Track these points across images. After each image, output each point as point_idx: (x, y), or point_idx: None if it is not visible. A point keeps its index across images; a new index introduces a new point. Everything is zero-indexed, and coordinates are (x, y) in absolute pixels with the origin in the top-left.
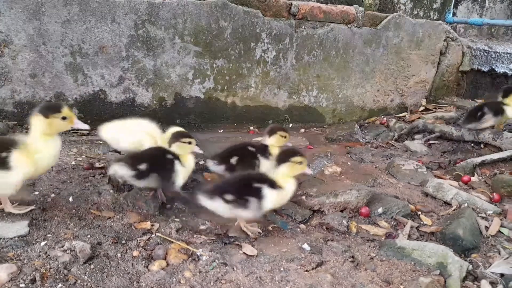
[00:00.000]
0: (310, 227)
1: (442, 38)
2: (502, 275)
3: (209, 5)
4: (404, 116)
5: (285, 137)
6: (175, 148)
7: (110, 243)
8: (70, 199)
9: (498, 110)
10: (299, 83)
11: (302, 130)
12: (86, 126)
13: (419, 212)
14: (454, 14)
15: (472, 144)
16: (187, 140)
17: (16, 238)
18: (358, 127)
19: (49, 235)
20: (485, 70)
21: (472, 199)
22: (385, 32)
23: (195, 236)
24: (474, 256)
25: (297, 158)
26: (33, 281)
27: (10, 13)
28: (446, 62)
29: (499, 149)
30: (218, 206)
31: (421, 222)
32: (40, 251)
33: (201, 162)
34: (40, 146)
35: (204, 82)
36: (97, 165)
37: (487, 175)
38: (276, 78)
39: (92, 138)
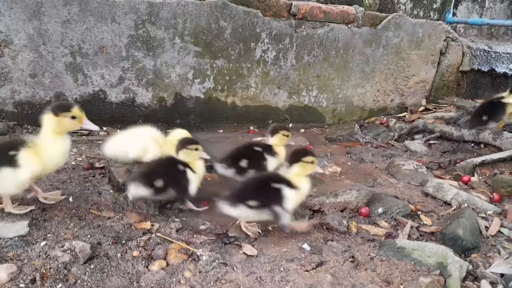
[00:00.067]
0: (310, 227)
1: (442, 38)
2: (502, 275)
3: (209, 5)
4: (404, 116)
5: (287, 136)
6: (183, 155)
7: (110, 243)
8: (70, 199)
9: (500, 111)
10: (299, 83)
11: (302, 130)
12: (96, 127)
13: (419, 212)
14: (454, 14)
15: (472, 144)
16: (194, 146)
17: (16, 238)
18: (358, 127)
19: (49, 235)
20: (485, 70)
21: (472, 199)
22: (385, 32)
23: (195, 236)
24: (474, 256)
25: (309, 158)
26: (33, 281)
27: (10, 13)
28: (446, 62)
29: (499, 149)
30: (242, 213)
31: (421, 222)
32: (40, 251)
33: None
34: (50, 144)
35: (204, 82)
36: (97, 165)
37: (487, 175)
38: (276, 78)
39: (92, 138)
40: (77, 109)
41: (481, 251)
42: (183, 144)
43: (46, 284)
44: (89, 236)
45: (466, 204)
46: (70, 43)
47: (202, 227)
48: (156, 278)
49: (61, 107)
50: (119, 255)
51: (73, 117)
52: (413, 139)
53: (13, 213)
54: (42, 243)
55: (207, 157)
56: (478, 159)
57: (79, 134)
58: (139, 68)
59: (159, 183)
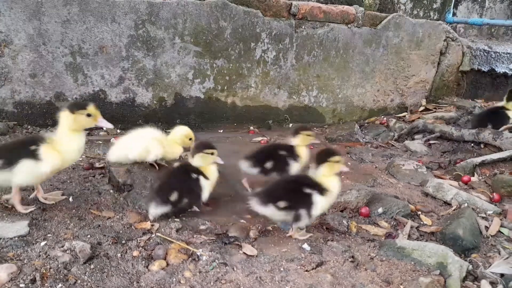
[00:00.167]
0: (310, 227)
1: (442, 38)
2: (502, 275)
3: (209, 5)
4: (404, 116)
5: (310, 135)
6: (198, 159)
7: (110, 243)
8: (70, 199)
9: (503, 119)
10: (299, 83)
11: None
12: (110, 125)
13: (419, 212)
14: (454, 14)
15: (472, 144)
16: (210, 151)
17: (16, 238)
18: (358, 127)
19: (49, 235)
20: (485, 70)
21: (472, 199)
22: (385, 32)
23: (195, 236)
24: (474, 256)
25: (335, 158)
26: (33, 281)
27: (10, 13)
28: (446, 62)
29: (499, 149)
30: (270, 212)
31: (421, 222)
32: (40, 251)
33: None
34: (67, 140)
35: (204, 82)
36: (97, 165)
37: (487, 175)
38: (276, 78)
39: (92, 138)
40: (93, 107)
41: (481, 251)
42: (200, 148)
43: (46, 284)
44: (89, 236)
45: (466, 204)
46: (70, 43)
47: (202, 227)
48: (156, 278)
49: (77, 105)
50: (119, 255)
51: (89, 115)
52: (413, 139)
53: (17, 210)
54: (42, 243)
55: (221, 162)
56: (478, 159)
57: None
58: (139, 68)
59: (174, 196)
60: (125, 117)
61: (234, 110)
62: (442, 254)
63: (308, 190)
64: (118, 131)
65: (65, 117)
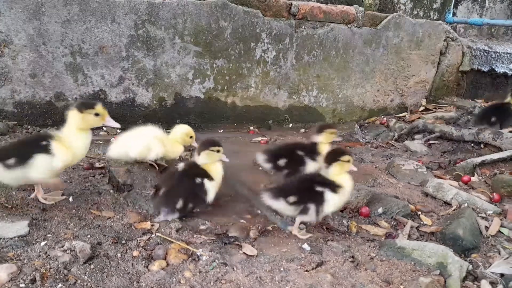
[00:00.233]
0: (310, 227)
1: (442, 38)
2: (502, 275)
3: (209, 5)
4: (404, 116)
5: (333, 133)
6: (204, 156)
7: (110, 243)
8: (70, 199)
9: (507, 115)
10: (299, 83)
11: (302, 130)
12: (117, 125)
13: (419, 212)
14: (454, 14)
15: (472, 144)
16: (216, 148)
17: (16, 238)
18: (358, 127)
19: (49, 235)
20: (485, 70)
21: (472, 199)
22: (385, 32)
23: (195, 236)
24: (474, 256)
25: (346, 157)
26: (33, 281)
27: (10, 13)
28: (446, 62)
29: (499, 149)
30: (281, 206)
31: (421, 222)
32: (40, 251)
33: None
34: (74, 138)
35: (204, 82)
36: (97, 165)
37: (487, 175)
38: (276, 78)
39: (92, 138)
40: (101, 106)
41: (481, 251)
42: (206, 145)
43: (46, 284)
44: (89, 236)
45: (466, 204)
46: (70, 43)
47: (202, 227)
48: (156, 278)
49: (85, 105)
50: (119, 255)
51: (97, 114)
52: (413, 139)
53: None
54: (42, 243)
55: (227, 160)
56: (478, 159)
57: None
58: (139, 68)
59: (180, 204)
60: (125, 117)
61: (234, 110)
62: (442, 254)
63: (320, 188)
64: (118, 131)
65: (73, 116)
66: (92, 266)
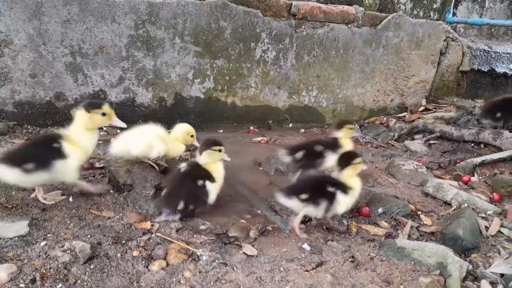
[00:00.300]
0: (310, 227)
1: (442, 38)
2: (502, 275)
3: (209, 5)
4: (404, 116)
5: (352, 129)
6: (206, 156)
7: (110, 243)
8: (70, 199)
9: None
10: (299, 83)
11: (302, 130)
12: (123, 124)
13: (419, 212)
14: (454, 14)
15: (472, 144)
16: (218, 148)
17: (16, 238)
18: (358, 127)
19: (49, 235)
20: (485, 70)
21: (472, 199)
22: (385, 32)
23: (195, 236)
24: (474, 256)
25: (358, 160)
26: (33, 281)
27: (10, 13)
28: (446, 62)
29: (499, 149)
30: (293, 204)
31: (421, 222)
32: (40, 251)
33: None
34: (82, 138)
35: (204, 82)
36: (97, 165)
37: (487, 175)
38: (276, 78)
39: None
40: (108, 106)
41: (481, 251)
42: (208, 145)
43: (46, 284)
44: (89, 236)
45: (466, 204)
46: (70, 43)
47: (202, 227)
48: (156, 278)
49: (93, 104)
50: (119, 255)
51: (104, 114)
52: (413, 139)
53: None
54: (42, 243)
55: (229, 159)
56: (478, 159)
57: None
58: (139, 68)
59: (181, 205)
60: (125, 117)
61: (234, 110)
62: (442, 254)
63: (331, 189)
64: (118, 131)
65: (80, 115)
66: (92, 266)
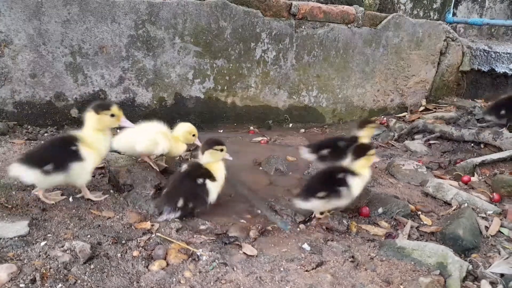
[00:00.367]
0: (310, 227)
1: (442, 38)
2: (502, 275)
3: (209, 5)
4: (404, 116)
5: (374, 127)
6: (208, 155)
7: (110, 243)
8: (70, 199)
9: None
10: (299, 83)
11: (302, 130)
12: (132, 125)
13: (419, 212)
14: (454, 14)
15: (472, 144)
16: (220, 147)
17: (16, 238)
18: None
19: (49, 235)
20: (485, 70)
21: (472, 199)
22: (385, 32)
23: (195, 236)
24: (474, 256)
25: (372, 151)
26: (33, 281)
27: (10, 13)
28: (446, 62)
29: (499, 149)
30: (314, 204)
31: (421, 222)
32: (40, 251)
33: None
34: (95, 139)
35: (204, 82)
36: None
37: (487, 175)
38: (276, 78)
39: None
40: (116, 108)
41: (481, 251)
42: (210, 144)
43: (46, 284)
44: (89, 236)
45: (466, 204)
46: (70, 43)
47: (202, 227)
48: (156, 278)
49: (102, 106)
50: (119, 255)
51: (112, 115)
52: (413, 139)
53: (92, 199)
54: (42, 243)
55: (230, 158)
56: (478, 159)
57: None
58: (139, 68)
59: (180, 203)
60: (125, 117)
61: (234, 110)
62: (442, 254)
63: (341, 175)
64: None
65: (90, 117)
66: (92, 266)
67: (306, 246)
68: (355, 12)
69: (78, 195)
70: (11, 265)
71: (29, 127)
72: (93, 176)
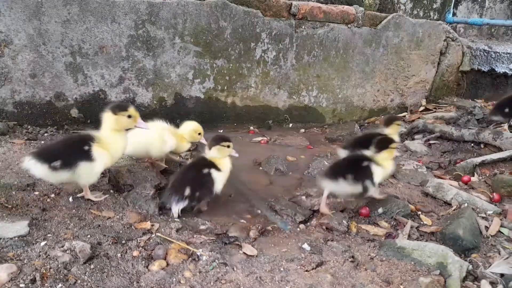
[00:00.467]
0: (310, 227)
1: (442, 38)
2: (502, 275)
3: (209, 5)
4: (404, 116)
5: (399, 125)
6: (215, 151)
7: (110, 243)
8: (70, 199)
9: None
10: (299, 83)
11: (302, 130)
12: (148, 127)
13: (419, 212)
14: (454, 14)
15: (472, 144)
16: (226, 144)
17: (16, 238)
18: (358, 127)
19: (49, 235)
20: (485, 70)
21: (472, 199)
22: (385, 32)
23: (195, 236)
24: (474, 256)
25: (394, 144)
26: (33, 281)
27: (10, 13)
28: (446, 62)
29: (499, 149)
30: (341, 186)
31: (421, 222)
32: (40, 251)
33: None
34: (112, 140)
35: (204, 82)
36: None
37: (487, 175)
38: (276, 78)
39: None
40: (133, 109)
41: (481, 251)
42: (217, 141)
43: (46, 284)
44: (89, 236)
45: (466, 204)
46: (70, 43)
47: (202, 227)
48: (156, 278)
49: (119, 107)
50: (119, 255)
51: (129, 116)
52: (413, 139)
53: (92, 199)
54: (42, 243)
55: (236, 155)
56: (478, 159)
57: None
58: (139, 68)
59: (187, 191)
60: None
61: (234, 110)
62: (442, 254)
63: (365, 163)
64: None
65: (107, 117)
66: (92, 266)
67: (306, 246)
68: (355, 12)
69: (78, 195)
70: (11, 265)
71: (29, 127)
72: None
